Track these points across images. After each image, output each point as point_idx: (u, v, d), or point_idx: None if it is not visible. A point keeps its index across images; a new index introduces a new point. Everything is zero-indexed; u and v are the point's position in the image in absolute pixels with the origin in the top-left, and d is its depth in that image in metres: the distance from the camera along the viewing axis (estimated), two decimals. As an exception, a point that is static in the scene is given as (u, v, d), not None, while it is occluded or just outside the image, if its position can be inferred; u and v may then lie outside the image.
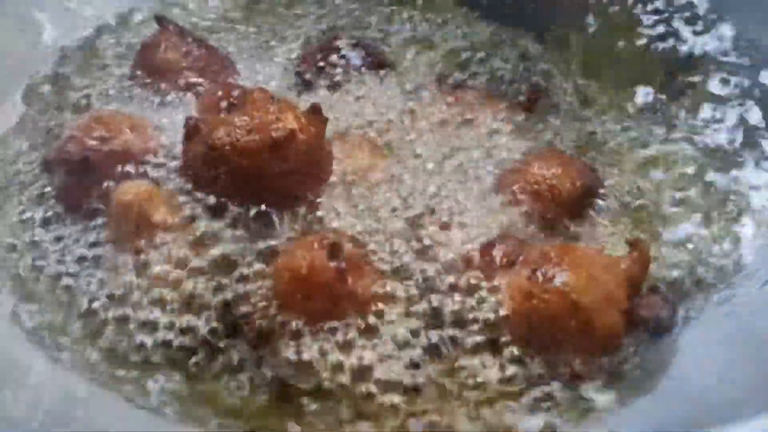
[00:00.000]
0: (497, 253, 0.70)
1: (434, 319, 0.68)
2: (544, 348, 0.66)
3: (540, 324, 0.65)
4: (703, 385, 0.64)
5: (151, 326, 0.69)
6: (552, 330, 0.65)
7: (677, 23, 0.93)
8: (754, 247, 0.75)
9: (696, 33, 0.92)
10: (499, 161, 0.80)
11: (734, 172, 0.81)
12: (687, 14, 0.94)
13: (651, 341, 0.68)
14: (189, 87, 0.85)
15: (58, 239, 0.75)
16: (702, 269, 0.73)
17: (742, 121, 0.85)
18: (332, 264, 0.67)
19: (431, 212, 0.74)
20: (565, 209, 0.75)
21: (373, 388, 0.65)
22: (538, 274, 0.66)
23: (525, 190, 0.75)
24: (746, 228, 0.77)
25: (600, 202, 0.77)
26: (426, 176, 0.78)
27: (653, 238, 0.76)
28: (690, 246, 0.76)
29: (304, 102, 0.77)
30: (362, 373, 0.66)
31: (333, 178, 0.76)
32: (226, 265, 0.71)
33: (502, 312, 0.67)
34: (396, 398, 0.65)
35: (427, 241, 0.72)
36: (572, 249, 0.70)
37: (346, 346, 0.66)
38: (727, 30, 0.92)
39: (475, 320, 0.68)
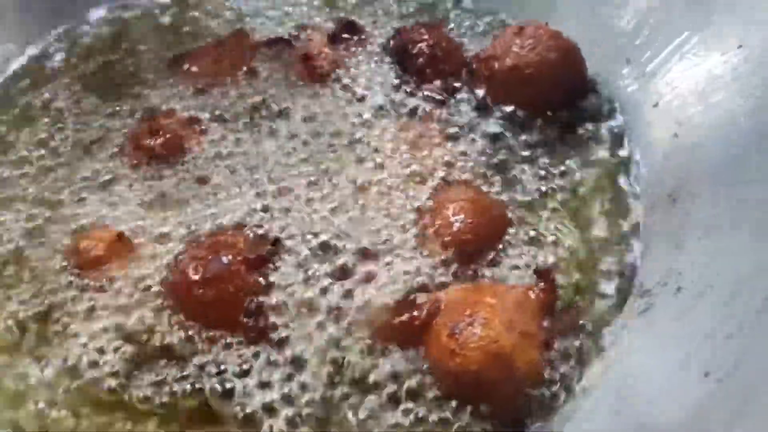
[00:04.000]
0: (417, 307, 0.74)
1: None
2: (473, 398, 0.70)
3: (466, 379, 0.69)
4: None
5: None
6: (479, 382, 0.69)
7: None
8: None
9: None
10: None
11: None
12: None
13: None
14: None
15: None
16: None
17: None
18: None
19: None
20: (476, 248, 0.79)
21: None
22: (456, 330, 0.70)
23: (439, 234, 0.79)
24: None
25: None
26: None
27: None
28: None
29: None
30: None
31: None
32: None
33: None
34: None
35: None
36: (484, 291, 0.74)
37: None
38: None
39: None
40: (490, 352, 0.68)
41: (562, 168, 0.87)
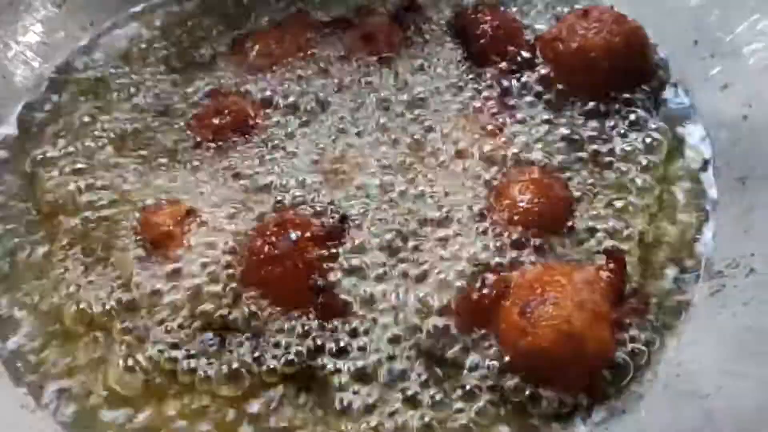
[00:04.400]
0: (487, 288, 0.74)
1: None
2: (546, 378, 0.70)
3: (537, 357, 0.69)
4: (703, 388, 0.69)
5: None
6: (550, 360, 0.69)
7: None
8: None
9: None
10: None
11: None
12: None
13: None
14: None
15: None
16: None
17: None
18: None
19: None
20: (544, 227, 0.79)
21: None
22: (528, 309, 0.70)
23: (507, 213, 0.80)
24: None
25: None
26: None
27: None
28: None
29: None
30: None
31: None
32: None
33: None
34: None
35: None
36: (554, 271, 0.74)
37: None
38: None
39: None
40: (561, 330, 0.68)
41: (629, 149, 0.86)
